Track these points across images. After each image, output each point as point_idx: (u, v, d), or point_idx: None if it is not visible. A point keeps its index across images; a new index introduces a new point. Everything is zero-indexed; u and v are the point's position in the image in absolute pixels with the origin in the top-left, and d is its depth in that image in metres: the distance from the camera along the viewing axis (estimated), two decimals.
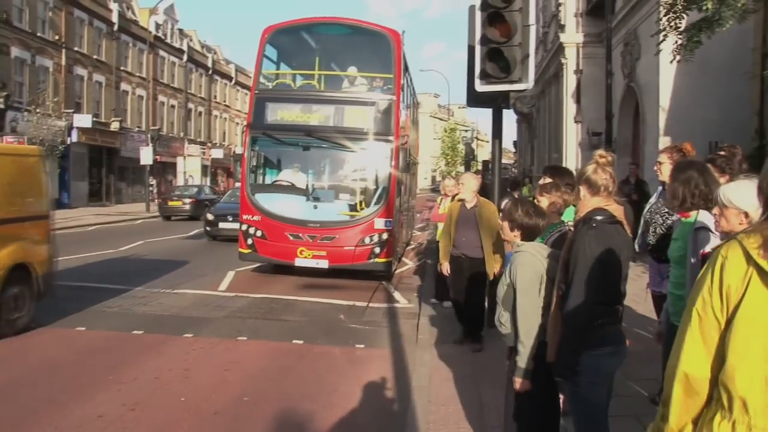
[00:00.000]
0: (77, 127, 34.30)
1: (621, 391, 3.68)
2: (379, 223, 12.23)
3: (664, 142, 16.37)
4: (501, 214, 4.24)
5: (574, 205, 4.23)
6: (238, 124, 60.32)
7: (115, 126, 38.75)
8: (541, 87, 32.87)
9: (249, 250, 12.60)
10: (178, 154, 46.88)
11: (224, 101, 59.11)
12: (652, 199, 6.05)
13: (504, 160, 31.07)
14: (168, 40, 47.46)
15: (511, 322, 3.98)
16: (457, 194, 10.25)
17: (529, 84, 7.50)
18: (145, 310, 9.86)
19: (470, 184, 7.85)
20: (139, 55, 42.99)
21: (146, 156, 33.74)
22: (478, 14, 7.32)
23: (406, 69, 14.43)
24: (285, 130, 13.10)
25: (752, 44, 14.45)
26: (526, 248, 4.03)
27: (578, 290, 3.44)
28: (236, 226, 14.18)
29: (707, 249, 3.81)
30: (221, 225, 18.92)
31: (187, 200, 27.75)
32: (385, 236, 12.19)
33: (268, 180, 13.94)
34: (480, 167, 36.24)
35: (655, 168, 5.59)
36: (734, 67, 15.08)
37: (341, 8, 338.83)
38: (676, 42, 12.38)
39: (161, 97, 46.21)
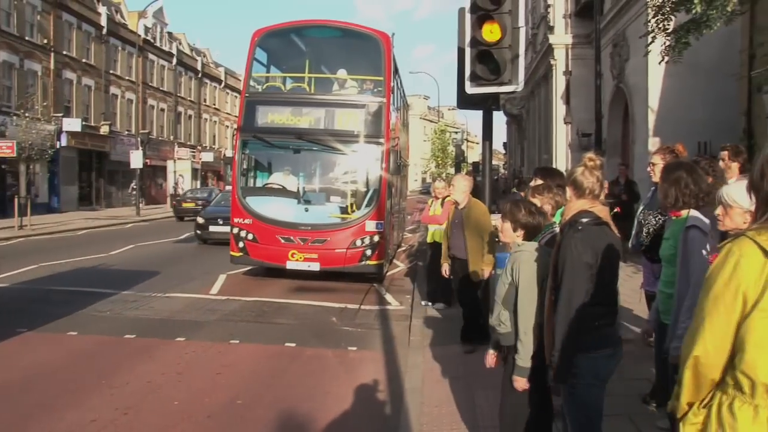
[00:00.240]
0: (66, 131, 34.18)
1: (613, 390, 3.70)
2: (370, 226, 12.24)
3: (654, 142, 16.49)
4: (502, 216, 4.24)
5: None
6: (228, 127, 60.24)
7: (104, 130, 38.58)
8: (530, 88, 33.00)
9: (240, 254, 12.59)
10: (168, 157, 46.74)
11: (214, 104, 59.00)
12: (645, 200, 6.11)
13: (493, 162, 31.10)
14: (157, 44, 47.35)
15: (512, 321, 4.00)
16: (447, 196, 10.31)
17: (518, 86, 7.53)
18: (137, 314, 9.83)
19: (460, 185, 7.87)
20: (128, 59, 42.86)
21: (136, 160, 33.69)
22: (468, 16, 7.35)
23: (396, 71, 14.45)
24: (275, 133, 13.08)
25: (739, 46, 14.56)
26: (527, 248, 4.06)
27: (567, 294, 3.45)
28: (226, 229, 14.16)
29: (704, 252, 3.85)
30: (212, 228, 18.86)
31: (200, 202, 28.64)
32: (376, 238, 12.20)
33: (259, 183, 13.92)
34: (470, 168, 36.30)
35: (649, 169, 5.65)
36: (722, 67, 15.20)
37: (330, 10, 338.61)
38: (665, 43, 12.47)
39: (151, 101, 46.08)
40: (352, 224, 12.36)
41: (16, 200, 23.87)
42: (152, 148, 41.67)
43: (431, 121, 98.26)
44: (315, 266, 12.15)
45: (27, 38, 32.23)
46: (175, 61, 49.70)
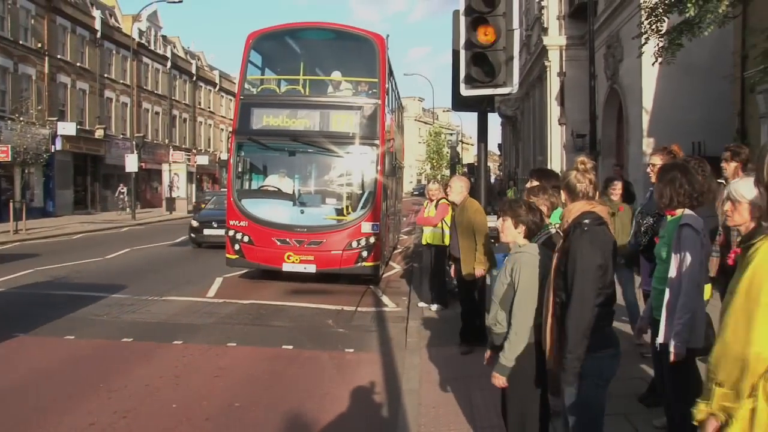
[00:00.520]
0: (61, 135, 34.06)
1: (609, 389, 3.72)
2: (366, 227, 12.25)
3: (648, 143, 16.56)
4: (502, 214, 4.22)
5: (563, 206, 4.28)
6: (223, 130, 60.15)
7: (99, 134, 38.53)
8: (525, 90, 33.03)
9: (236, 256, 12.58)
10: (163, 161, 46.61)
11: (209, 107, 58.92)
12: (644, 201, 6.17)
13: (488, 163, 31.11)
14: (151, 47, 47.25)
15: (508, 322, 4.00)
16: (441, 198, 10.35)
17: (513, 88, 7.58)
18: (134, 317, 9.83)
19: (456, 186, 7.93)
20: (122, 62, 42.78)
21: (131, 163, 33.63)
22: (462, 19, 7.39)
23: (391, 73, 14.47)
24: (270, 136, 13.07)
25: (732, 47, 14.64)
26: (528, 249, 4.06)
27: (580, 297, 3.44)
28: (221, 232, 14.14)
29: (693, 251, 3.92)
30: (206, 232, 18.80)
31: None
32: (372, 240, 12.21)
33: (255, 185, 13.91)
34: (464, 170, 36.31)
35: (648, 170, 5.71)
36: (715, 68, 15.28)
37: (325, 12, 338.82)
38: (658, 45, 12.53)
39: (145, 104, 46.00)
40: (348, 226, 12.37)
41: (11, 205, 23.80)
42: (147, 151, 41.56)
43: (426, 123, 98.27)
44: (311, 268, 12.16)
45: (21, 42, 32.15)
46: (169, 64, 49.61)
